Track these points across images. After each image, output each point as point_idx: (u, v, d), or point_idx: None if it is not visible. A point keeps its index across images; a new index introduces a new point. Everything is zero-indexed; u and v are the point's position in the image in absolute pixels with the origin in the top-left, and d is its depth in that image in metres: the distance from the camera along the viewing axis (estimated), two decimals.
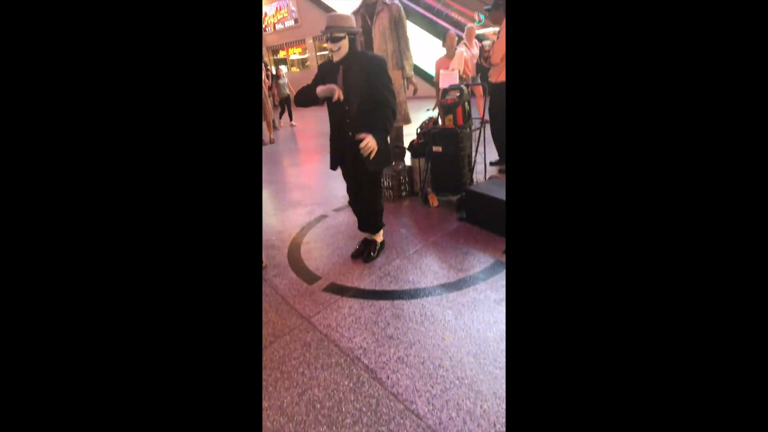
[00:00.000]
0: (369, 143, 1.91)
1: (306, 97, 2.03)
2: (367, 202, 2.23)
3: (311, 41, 13.72)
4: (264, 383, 1.48)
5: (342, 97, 1.91)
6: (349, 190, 2.29)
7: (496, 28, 3.25)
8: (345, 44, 1.92)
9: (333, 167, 2.22)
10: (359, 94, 1.93)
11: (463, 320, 1.71)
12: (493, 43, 3.22)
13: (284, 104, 8.86)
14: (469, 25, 4.20)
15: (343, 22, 1.90)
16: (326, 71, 2.03)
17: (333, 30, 1.88)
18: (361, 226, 2.38)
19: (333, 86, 1.91)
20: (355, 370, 1.50)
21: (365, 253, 2.37)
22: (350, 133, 1.99)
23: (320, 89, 1.93)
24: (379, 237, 2.40)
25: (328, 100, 2.00)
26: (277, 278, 2.27)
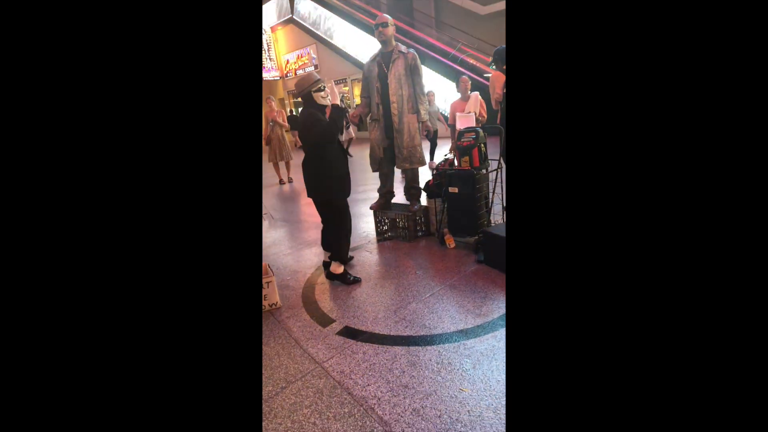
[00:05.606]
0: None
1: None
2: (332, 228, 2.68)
3: (331, 83, 14.49)
4: None
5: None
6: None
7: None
8: None
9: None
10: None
11: (482, 370, 1.64)
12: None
13: None
14: (463, 77, 4.53)
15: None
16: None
17: (322, 82, 2.57)
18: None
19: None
20: (368, 422, 1.43)
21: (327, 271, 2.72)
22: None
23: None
24: (338, 269, 2.66)
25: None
26: (290, 320, 2.25)
